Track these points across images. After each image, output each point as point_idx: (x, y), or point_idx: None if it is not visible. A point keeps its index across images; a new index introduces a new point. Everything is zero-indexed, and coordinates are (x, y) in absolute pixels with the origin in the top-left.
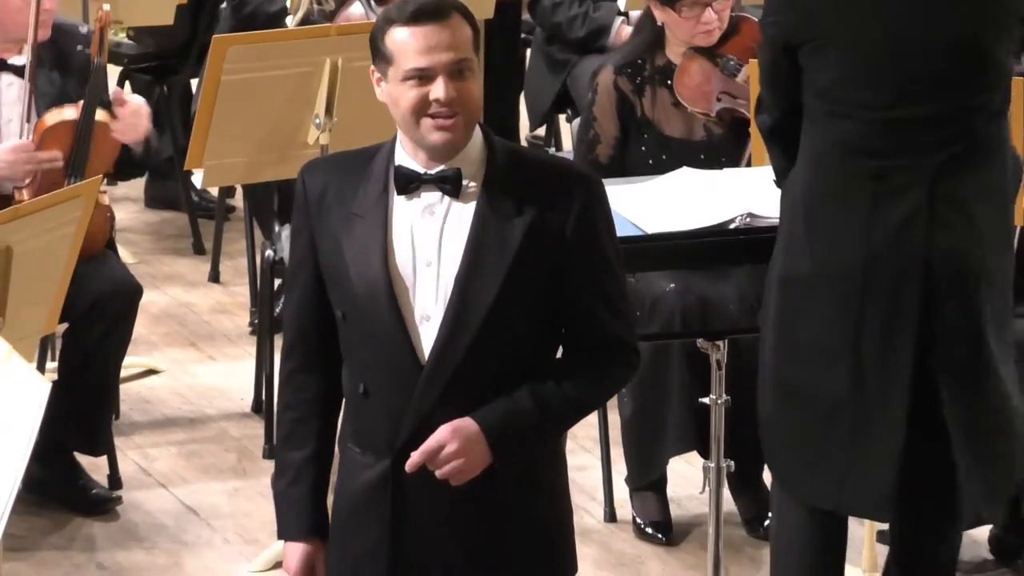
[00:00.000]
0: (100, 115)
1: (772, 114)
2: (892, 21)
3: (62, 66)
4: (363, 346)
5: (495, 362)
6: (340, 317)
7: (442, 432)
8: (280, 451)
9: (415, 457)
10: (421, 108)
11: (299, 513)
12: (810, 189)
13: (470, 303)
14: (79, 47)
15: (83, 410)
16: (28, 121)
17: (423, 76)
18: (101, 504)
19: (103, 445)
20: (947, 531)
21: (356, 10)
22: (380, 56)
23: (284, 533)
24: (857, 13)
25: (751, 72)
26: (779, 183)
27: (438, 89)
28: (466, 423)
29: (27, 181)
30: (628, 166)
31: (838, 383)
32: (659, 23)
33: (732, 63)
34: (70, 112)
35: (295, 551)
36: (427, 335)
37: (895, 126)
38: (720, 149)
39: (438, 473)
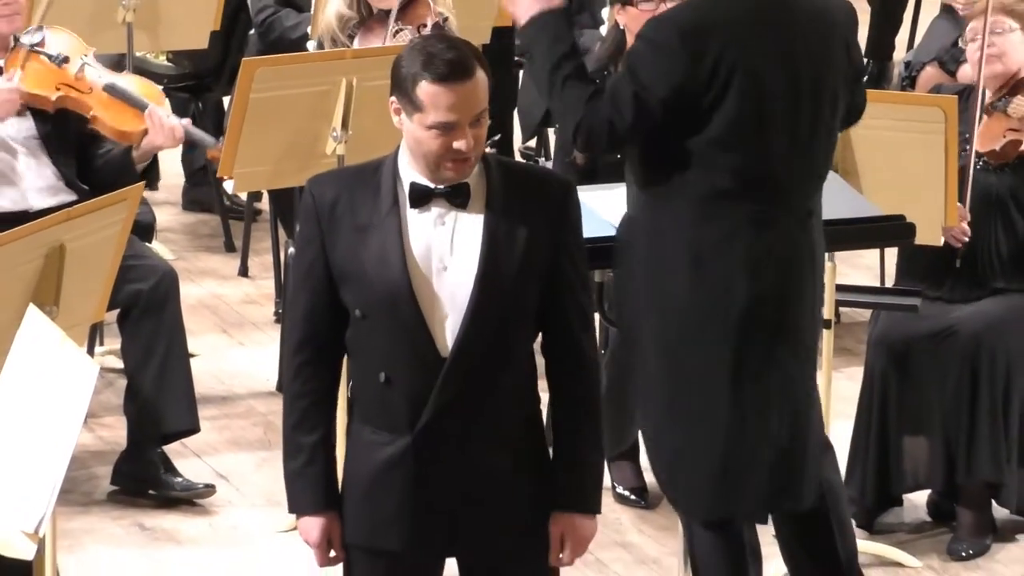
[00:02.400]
0: None
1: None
2: (782, 69)
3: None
4: (384, 341)
5: (505, 351)
6: (358, 316)
7: (572, 548)
8: (291, 436)
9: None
10: (443, 154)
11: (316, 489)
12: (695, 230)
13: (488, 300)
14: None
15: (160, 398)
16: None
17: (448, 129)
18: (190, 491)
19: (185, 421)
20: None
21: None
22: (408, 99)
23: (300, 509)
24: (754, 62)
25: None
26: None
27: (461, 142)
28: (568, 523)
29: None
30: (598, 159)
31: (721, 410)
32: (621, 26)
33: None
34: None
35: (315, 524)
36: (447, 330)
37: (776, 171)
38: None
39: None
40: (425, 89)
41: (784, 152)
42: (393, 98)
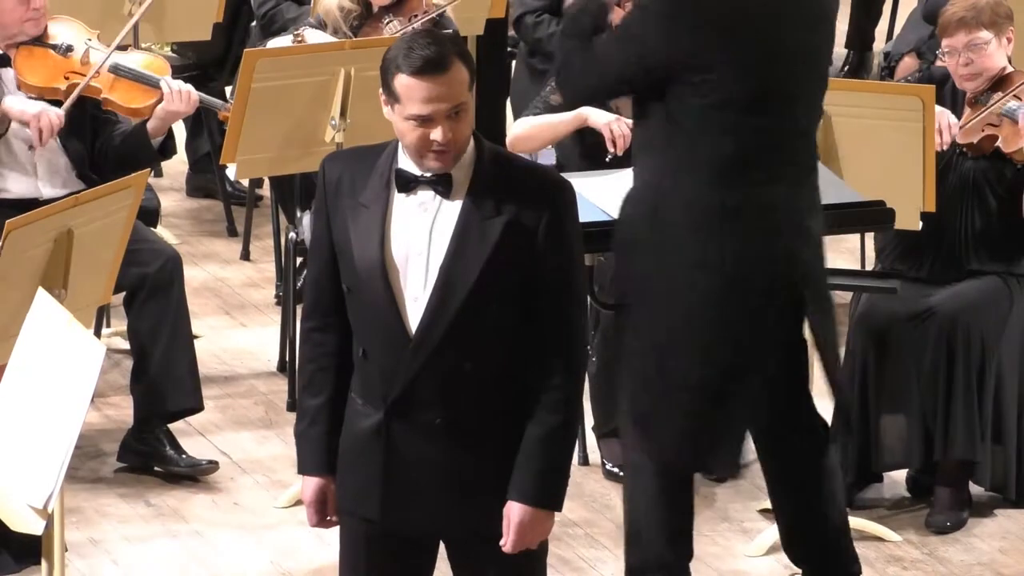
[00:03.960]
0: None
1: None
2: (770, 54)
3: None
4: (363, 317)
5: (472, 338)
6: (346, 290)
7: (512, 536)
8: (300, 398)
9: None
10: (422, 145)
11: (314, 452)
12: (691, 200)
13: (452, 287)
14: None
15: (165, 378)
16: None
17: (424, 121)
18: (194, 468)
19: (189, 400)
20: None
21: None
22: (389, 91)
23: (302, 468)
24: (736, 45)
25: None
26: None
27: (437, 133)
28: (517, 514)
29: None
30: (588, 144)
31: (711, 367)
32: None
33: None
34: None
35: (310, 484)
36: (415, 313)
37: (765, 145)
38: None
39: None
40: (401, 81)
41: (778, 112)
42: (381, 90)
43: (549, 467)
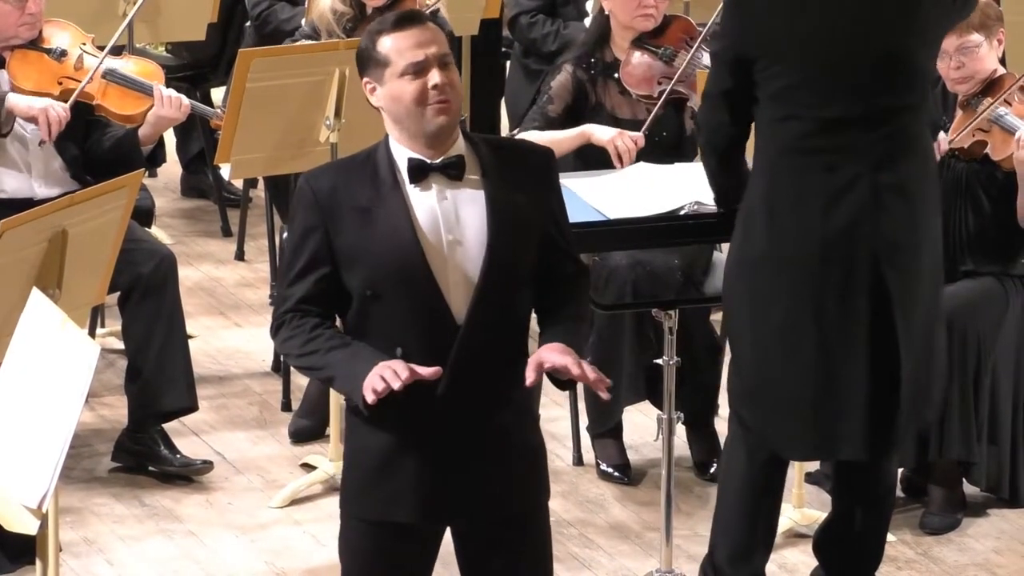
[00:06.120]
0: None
1: (728, 132)
2: (830, 36)
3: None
4: (399, 316)
5: (512, 316)
6: (368, 296)
7: (565, 358)
8: (321, 353)
9: (580, 374)
10: (423, 97)
11: (371, 352)
12: (769, 188)
13: (498, 267)
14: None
15: (160, 378)
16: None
17: (418, 69)
18: (188, 468)
19: (184, 400)
20: (890, 458)
21: None
22: (374, 63)
23: (364, 369)
24: (800, 30)
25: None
26: (725, 204)
27: (435, 77)
28: (563, 347)
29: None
30: (587, 153)
31: (807, 353)
32: (606, 12)
33: (669, 51)
34: None
35: (387, 363)
36: (460, 298)
37: (838, 126)
38: (661, 124)
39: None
40: (386, 43)
41: (850, 97)
42: (365, 78)
43: (578, 343)
